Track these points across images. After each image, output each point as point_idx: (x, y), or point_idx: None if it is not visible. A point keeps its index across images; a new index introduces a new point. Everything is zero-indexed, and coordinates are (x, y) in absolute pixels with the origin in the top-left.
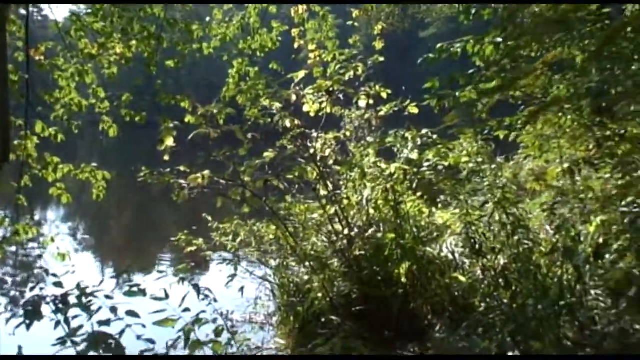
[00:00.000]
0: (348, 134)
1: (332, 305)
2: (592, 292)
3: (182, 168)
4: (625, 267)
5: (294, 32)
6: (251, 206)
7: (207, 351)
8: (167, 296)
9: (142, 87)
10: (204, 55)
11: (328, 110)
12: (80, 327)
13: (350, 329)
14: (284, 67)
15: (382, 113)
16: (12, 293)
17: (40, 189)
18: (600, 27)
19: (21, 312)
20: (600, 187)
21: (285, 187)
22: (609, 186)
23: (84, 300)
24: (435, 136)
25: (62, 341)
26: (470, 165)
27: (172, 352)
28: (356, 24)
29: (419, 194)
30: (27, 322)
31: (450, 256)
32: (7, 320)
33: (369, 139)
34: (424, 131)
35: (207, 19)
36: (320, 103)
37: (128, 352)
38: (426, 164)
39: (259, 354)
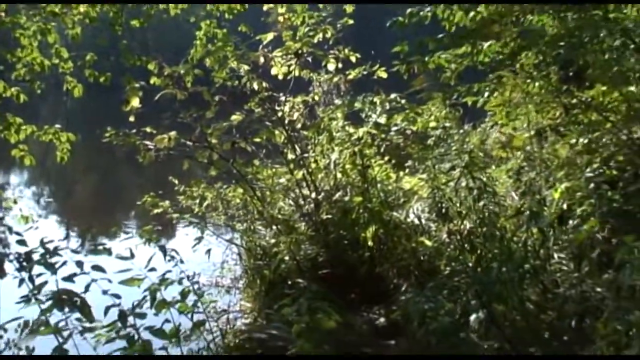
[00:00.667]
0: (316, 97)
1: (299, 268)
2: (556, 256)
3: (148, 129)
4: (588, 231)
5: None
6: (218, 169)
7: (174, 312)
8: (132, 256)
9: (106, 48)
10: (171, 18)
11: (296, 73)
12: (45, 283)
13: (316, 291)
14: (253, 30)
15: (350, 77)
16: None
17: (1, 154)
18: None
19: None
20: (565, 154)
21: (252, 150)
22: (574, 153)
23: (48, 257)
24: (403, 101)
25: (26, 299)
26: (438, 130)
27: (138, 311)
28: None
29: (386, 158)
30: None
31: (416, 221)
32: None
33: (338, 102)
34: (392, 96)
35: None
36: (289, 66)
37: (94, 310)
38: (394, 128)
39: (225, 316)
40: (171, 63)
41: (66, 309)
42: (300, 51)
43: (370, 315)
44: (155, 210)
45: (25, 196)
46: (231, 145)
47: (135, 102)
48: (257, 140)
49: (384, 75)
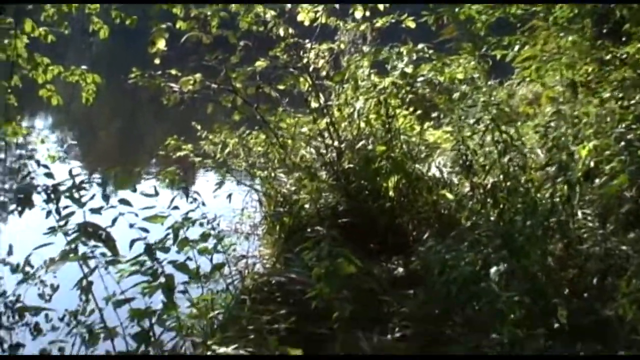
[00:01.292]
0: (342, 46)
1: (319, 217)
2: (580, 213)
3: (173, 72)
4: (618, 186)
5: None
6: (241, 114)
7: (195, 254)
8: (157, 193)
9: None
10: None
11: (323, 20)
12: (71, 214)
13: (336, 238)
14: None
15: (378, 25)
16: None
17: (26, 101)
18: None
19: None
20: (596, 112)
21: (276, 97)
22: (604, 111)
23: (74, 190)
24: (431, 51)
25: (52, 230)
26: (466, 82)
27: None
28: None
29: (411, 109)
30: (19, 209)
31: (438, 174)
32: None
33: (365, 49)
34: (420, 46)
35: None
36: (315, 12)
37: (119, 245)
38: (420, 79)
39: (244, 261)
40: (197, 6)
41: (91, 243)
42: None
43: (388, 265)
44: (179, 153)
45: (50, 140)
46: (255, 90)
47: (161, 44)
48: (281, 87)
49: (412, 25)
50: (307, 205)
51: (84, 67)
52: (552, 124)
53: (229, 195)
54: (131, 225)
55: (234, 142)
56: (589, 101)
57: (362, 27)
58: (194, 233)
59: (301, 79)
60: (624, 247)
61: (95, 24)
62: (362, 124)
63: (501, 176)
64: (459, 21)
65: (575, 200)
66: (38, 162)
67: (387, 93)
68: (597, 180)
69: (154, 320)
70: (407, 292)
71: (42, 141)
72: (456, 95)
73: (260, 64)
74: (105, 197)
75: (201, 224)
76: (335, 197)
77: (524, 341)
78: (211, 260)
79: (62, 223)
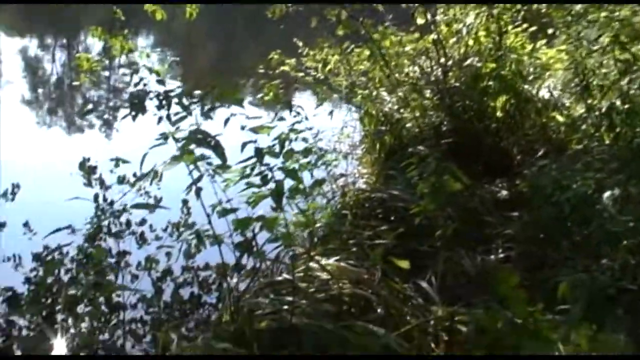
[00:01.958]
0: None
1: (421, 136)
2: None
3: None
4: None
5: None
6: (346, 28)
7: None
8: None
9: None
10: None
11: None
12: (183, 119)
13: (440, 157)
14: None
15: None
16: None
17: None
18: None
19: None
20: None
21: (382, 11)
22: None
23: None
24: None
25: (164, 137)
26: None
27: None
28: None
29: (524, 25)
30: (133, 113)
31: (548, 96)
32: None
33: None
34: None
35: None
36: None
37: (227, 153)
38: None
39: (343, 178)
40: None
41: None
42: None
43: (491, 187)
44: (282, 68)
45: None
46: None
47: None
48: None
49: None
50: (409, 124)
51: None
52: None
53: (331, 112)
54: (242, 128)
55: (335, 59)
56: None
57: None
58: (296, 147)
59: None
60: None
61: None
62: (471, 42)
63: (619, 98)
64: None
65: None
66: (150, 69)
67: (499, 7)
68: None
69: (257, 229)
70: (511, 214)
71: (147, 55)
72: (578, 7)
73: None
74: (209, 110)
75: (304, 139)
76: (439, 117)
77: (637, 269)
78: (312, 175)
79: (173, 129)
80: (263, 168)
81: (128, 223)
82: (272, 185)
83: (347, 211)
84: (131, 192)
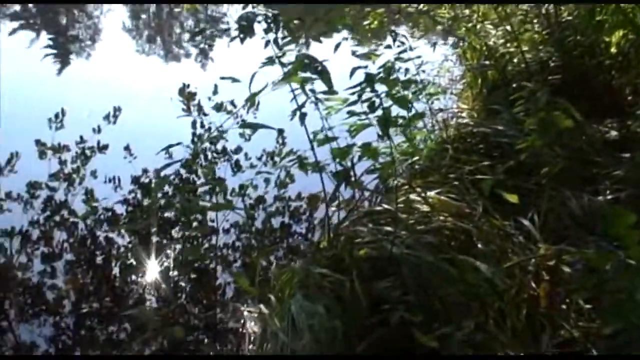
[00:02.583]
0: None
1: (527, 72)
2: None
3: None
4: None
5: None
6: None
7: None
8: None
9: None
10: None
11: None
12: (288, 42)
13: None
14: None
15: None
16: None
17: None
18: None
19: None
20: None
21: None
22: None
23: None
24: None
25: (270, 60)
26: None
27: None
28: None
29: None
30: (241, 36)
31: None
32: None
33: None
34: None
35: None
36: None
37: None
38: None
39: (444, 113)
40: None
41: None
42: None
43: (600, 127)
44: None
45: None
46: None
47: None
48: None
49: None
50: (515, 59)
51: None
52: None
53: (434, 44)
54: (353, 53)
55: None
56: None
57: None
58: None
59: None
60: None
61: None
62: None
63: None
64: None
65: None
66: None
67: None
68: None
69: (355, 159)
70: (621, 155)
71: None
72: None
73: None
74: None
75: (407, 69)
76: (548, 52)
77: None
78: (411, 108)
79: (279, 53)
80: (372, 95)
81: (224, 150)
82: (379, 112)
83: (448, 145)
84: (229, 120)
